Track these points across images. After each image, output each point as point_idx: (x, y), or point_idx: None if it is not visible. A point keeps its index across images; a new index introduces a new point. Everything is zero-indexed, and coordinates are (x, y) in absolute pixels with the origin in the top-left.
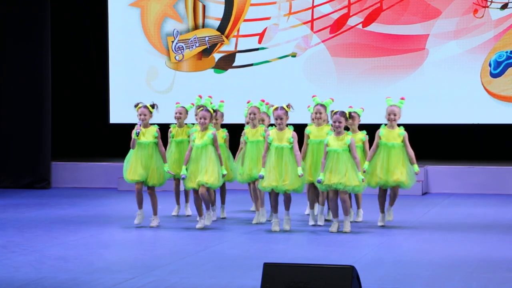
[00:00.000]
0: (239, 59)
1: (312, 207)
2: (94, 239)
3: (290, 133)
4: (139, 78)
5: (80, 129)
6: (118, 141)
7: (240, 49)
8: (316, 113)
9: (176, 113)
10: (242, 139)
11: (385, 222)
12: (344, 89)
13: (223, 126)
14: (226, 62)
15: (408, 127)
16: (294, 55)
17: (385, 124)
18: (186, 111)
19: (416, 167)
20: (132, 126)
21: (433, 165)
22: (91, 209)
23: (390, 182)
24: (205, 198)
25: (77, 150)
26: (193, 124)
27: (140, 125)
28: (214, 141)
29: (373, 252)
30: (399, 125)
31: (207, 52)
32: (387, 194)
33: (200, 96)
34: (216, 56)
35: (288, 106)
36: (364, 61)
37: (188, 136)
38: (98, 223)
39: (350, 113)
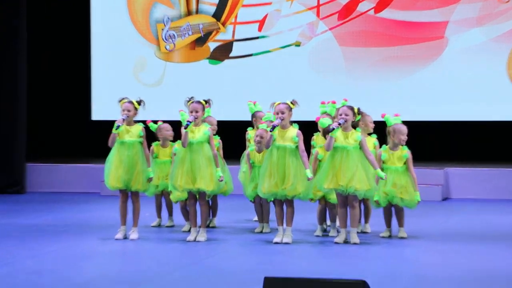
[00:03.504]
0: (237, 49)
1: (321, 222)
2: (72, 251)
3: (294, 131)
4: (125, 70)
5: (58, 127)
6: (101, 140)
7: (238, 38)
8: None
9: (167, 130)
10: (247, 136)
11: (391, 233)
12: (353, 82)
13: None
14: (223, 52)
15: (425, 125)
16: (298, 45)
17: (387, 144)
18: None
19: (418, 196)
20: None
21: (453, 167)
22: (70, 217)
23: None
24: (206, 209)
25: (54, 151)
26: (179, 139)
27: (123, 119)
28: (210, 139)
29: (386, 265)
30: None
31: (201, 41)
32: (392, 208)
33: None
34: (211, 45)
35: (292, 102)
36: (376, 51)
37: (171, 157)
38: (78, 233)
39: (359, 109)
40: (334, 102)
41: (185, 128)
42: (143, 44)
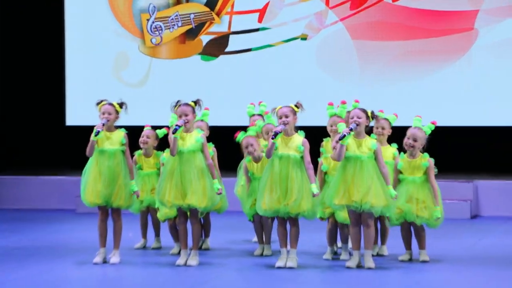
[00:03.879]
0: (234, 43)
1: (331, 243)
2: (43, 278)
3: (300, 139)
4: (104, 67)
5: (28, 134)
6: (77, 149)
7: (235, 30)
8: (331, 125)
9: (142, 137)
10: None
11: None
12: (368, 81)
13: (209, 139)
14: (217, 47)
15: (451, 131)
16: (304, 38)
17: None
18: (156, 137)
19: (438, 212)
20: (92, 130)
21: (484, 179)
22: (41, 238)
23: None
24: (198, 228)
25: (23, 161)
26: (167, 147)
27: (103, 124)
28: (203, 147)
29: None
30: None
31: (192, 33)
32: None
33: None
34: (204, 38)
35: (297, 105)
36: (394, 45)
37: (158, 169)
38: (50, 257)
39: (372, 111)
40: (344, 103)
41: (173, 133)
42: (125, 37)
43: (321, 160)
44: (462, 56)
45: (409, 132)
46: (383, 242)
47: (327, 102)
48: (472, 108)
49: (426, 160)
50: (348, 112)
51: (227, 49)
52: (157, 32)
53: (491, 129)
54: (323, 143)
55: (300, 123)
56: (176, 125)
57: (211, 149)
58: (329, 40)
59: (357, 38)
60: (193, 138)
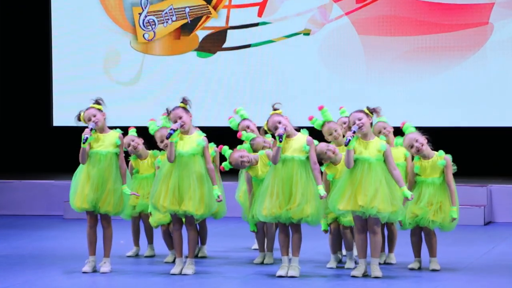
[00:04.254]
0: (232, 38)
1: (335, 251)
2: (30, 287)
3: (304, 138)
4: (93, 65)
5: (13, 135)
6: (64, 151)
7: (233, 25)
8: (335, 130)
9: (128, 146)
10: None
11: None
12: (375, 79)
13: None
14: (214, 43)
15: (464, 132)
16: (307, 33)
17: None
18: (138, 136)
19: (455, 212)
20: (83, 130)
21: (499, 184)
22: (27, 245)
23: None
24: (194, 235)
25: (8, 164)
26: (161, 150)
27: (91, 129)
28: (205, 150)
29: None
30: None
31: (187, 28)
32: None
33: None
34: (200, 34)
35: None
36: (403, 40)
37: (154, 169)
38: (36, 265)
39: (368, 107)
40: (321, 108)
41: (167, 138)
42: (116, 32)
43: (324, 170)
44: (476, 52)
45: (405, 142)
46: (390, 250)
47: (331, 101)
48: (487, 108)
49: (443, 158)
50: (343, 118)
51: (224, 45)
52: (150, 27)
53: (507, 130)
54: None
55: (303, 123)
56: (171, 129)
57: (212, 149)
58: (334, 36)
59: (364, 33)
60: (194, 141)
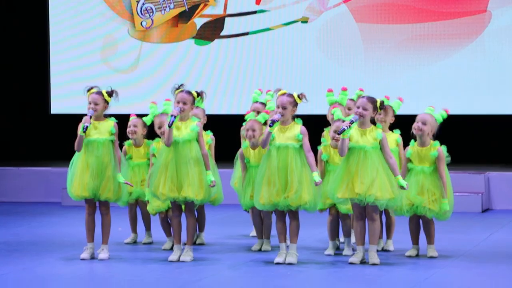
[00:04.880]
0: (230, 26)
1: (333, 238)
2: (27, 275)
3: (298, 128)
4: (91, 53)
5: (10, 123)
6: (62, 138)
7: (231, 13)
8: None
9: (129, 127)
10: (242, 133)
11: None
12: (373, 67)
13: (206, 127)
14: (212, 30)
15: (461, 120)
16: (305, 21)
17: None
18: (144, 125)
19: (446, 205)
20: (81, 118)
21: (496, 171)
22: (25, 232)
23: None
24: (193, 222)
25: (5, 151)
26: (157, 137)
27: (90, 116)
28: (199, 136)
29: None
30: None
31: (185, 16)
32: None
33: (169, 100)
34: (198, 21)
35: (300, 96)
36: (401, 28)
37: (149, 159)
38: (34, 252)
39: (382, 102)
40: (344, 89)
41: (169, 126)
42: (113, 20)
43: (320, 149)
44: (474, 41)
45: (418, 116)
46: (388, 237)
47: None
48: (485, 96)
49: (436, 150)
50: (351, 100)
51: (222, 33)
52: (147, 15)
53: (505, 118)
54: (324, 133)
55: (301, 111)
56: (172, 116)
57: (209, 137)
58: (332, 23)
59: (362, 21)
60: (188, 127)
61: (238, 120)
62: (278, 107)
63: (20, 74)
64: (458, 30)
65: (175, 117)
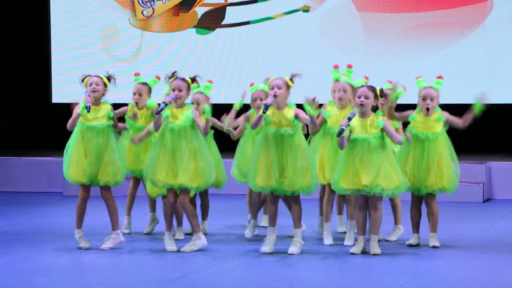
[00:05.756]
0: (231, 15)
1: (327, 219)
2: (29, 264)
3: (291, 112)
4: (92, 41)
5: (11, 112)
6: (64, 128)
7: (232, 1)
8: (339, 90)
9: (134, 94)
10: (241, 121)
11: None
12: (375, 55)
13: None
14: (213, 19)
15: (463, 109)
16: (306, 10)
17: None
18: (149, 89)
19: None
20: None
21: (497, 161)
22: (25, 222)
23: (423, 188)
24: (189, 209)
25: (6, 141)
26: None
27: (89, 95)
28: (195, 120)
29: (415, 281)
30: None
31: (186, 5)
32: (421, 205)
33: (158, 77)
34: (199, 10)
35: (292, 78)
36: (403, 17)
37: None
38: (35, 242)
39: (381, 90)
40: (350, 66)
41: (157, 113)
42: (114, 9)
43: (324, 105)
44: (476, 29)
45: (423, 93)
46: (397, 221)
47: (330, 78)
48: (487, 85)
49: (440, 113)
50: (354, 88)
51: (223, 22)
52: (148, 4)
53: (507, 107)
54: (325, 105)
55: (301, 100)
56: (163, 103)
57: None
58: (333, 12)
59: (363, 10)
60: (185, 115)
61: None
62: (272, 88)
63: (21, 63)
64: (459, 18)
65: (166, 104)
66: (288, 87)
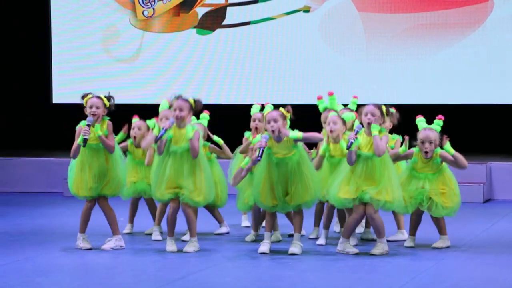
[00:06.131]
0: (231, 16)
1: (317, 224)
2: (30, 264)
3: (290, 141)
4: (92, 42)
5: (12, 112)
6: (64, 128)
7: (232, 2)
8: (329, 123)
9: (133, 129)
10: (244, 139)
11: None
12: (375, 56)
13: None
14: (214, 20)
15: (463, 110)
16: (307, 10)
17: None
18: (148, 127)
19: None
20: (83, 108)
21: (498, 161)
22: (27, 223)
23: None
24: (191, 217)
25: (7, 141)
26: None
27: (90, 124)
28: (196, 140)
29: (415, 281)
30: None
31: (187, 5)
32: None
33: (157, 119)
34: (200, 11)
35: (287, 110)
36: (403, 18)
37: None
38: (36, 242)
39: (388, 108)
40: (331, 94)
41: (156, 140)
42: (114, 9)
43: (322, 135)
44: (476, 30)
45: (422, 135)
46: (399, 226)
47: (331, 79)
48: (487, 86)
49: (438, 156)
50: (348, 108)
51: (224, 22)
52: (149, 4)
53: (507, 108)
54: (322, 132)
55: (304, 101)
56: (163, 129)
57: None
58: (334, 13)
59: (364, 10)
60: (185, 138)
61: (240, 110)
62: (268, 122)
63: (21, 63)
64: (460, 19)
65: (165, 130)
66: (285, 117)
